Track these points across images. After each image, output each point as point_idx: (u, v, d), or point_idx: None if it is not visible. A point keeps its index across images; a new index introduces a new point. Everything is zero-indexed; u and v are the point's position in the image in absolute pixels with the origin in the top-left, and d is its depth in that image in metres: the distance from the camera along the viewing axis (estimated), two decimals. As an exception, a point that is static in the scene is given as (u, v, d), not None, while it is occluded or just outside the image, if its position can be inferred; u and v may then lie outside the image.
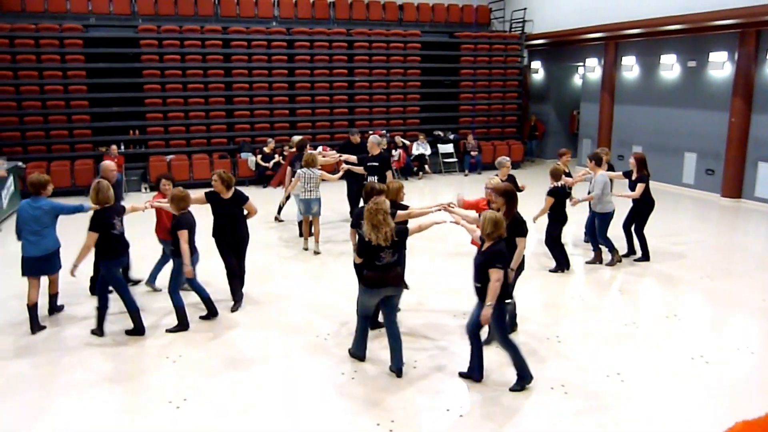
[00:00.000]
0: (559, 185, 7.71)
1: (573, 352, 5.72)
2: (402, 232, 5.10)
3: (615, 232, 8.44)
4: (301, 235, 9.37)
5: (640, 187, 8.11)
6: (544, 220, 7.91)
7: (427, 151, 16.01)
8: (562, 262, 7.95)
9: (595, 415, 4.66)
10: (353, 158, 9.21)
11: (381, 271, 5.02)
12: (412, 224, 5.42)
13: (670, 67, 14.02)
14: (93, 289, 6.86)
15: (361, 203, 6.11)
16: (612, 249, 8.21)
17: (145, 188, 13.75)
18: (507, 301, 4.77)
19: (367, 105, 16.31)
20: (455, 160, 16.65)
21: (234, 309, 6.60)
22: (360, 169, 8.98)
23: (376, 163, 8.82)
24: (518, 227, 5.51)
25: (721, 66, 12.83)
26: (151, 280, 7.16)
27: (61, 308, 6.53)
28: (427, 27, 17.55)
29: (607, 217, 8.09)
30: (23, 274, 5.98)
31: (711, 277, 7.92)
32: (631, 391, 5.00)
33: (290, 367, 5.38)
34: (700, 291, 7.50)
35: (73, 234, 6.46)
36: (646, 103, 14.83)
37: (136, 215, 6.46)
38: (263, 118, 15.28)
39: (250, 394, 4.95)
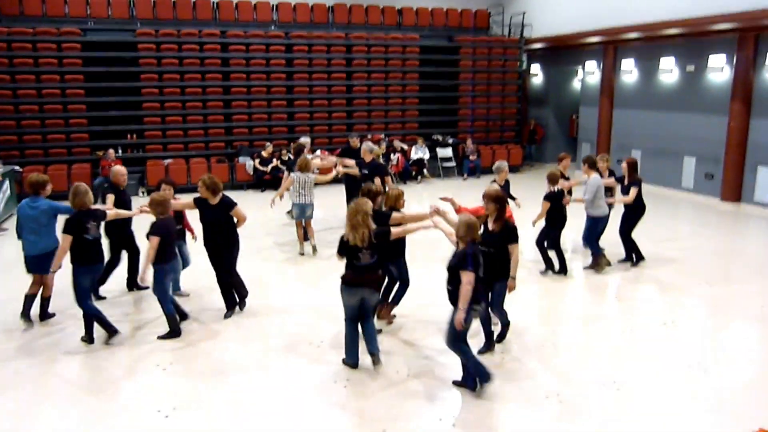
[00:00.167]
0: (556, 190, 7.70)
1: (568, 360, 5.65)
2: (381, 235, 5.19)
3: (613, 238, 8.38)
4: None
5: (633, 191, 8.08)
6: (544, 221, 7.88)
7: (426, 156, 15.97)
8: (551, 265, 7.94)
9: (590, 425, 4.60)
10: (351, 162, 9.24)
11: (358, 272, 5.14)
12: (397, 228, 5.45)
13: (669, 71, 13.98)
14: (130, 286, 7.25)
15: None
16: (598, 254, 8.15)
17: (143, 192, 13.69)
18: (475, 307, 4.72)
19: (365, 109, 16.28)
20: (454, 164, 16.63)
21: (227, 316, 6.53)
22: (356, 171, 8.99)
23: (366, 171, 8.82)
24: (509, 234, 5.46)
25: (720, 70, 12.79)
26: (175, 287, 6.93)
27: (52, 315, 6.46)
28: (426, 31, 17.51)
29: (599, 221, 8.04)
30: (28, 271, 6.15)
31: (710, 283, 7.86)
32: (627, 400, 4.93)
33: (283, 376, 5.33)
34: (699, 297, 7.42)
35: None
36: (645, 107, 14.78)
37: (145, 222, 6.23)
38: (261, 122, 15.26)
39: (240, 402, 4.89)
